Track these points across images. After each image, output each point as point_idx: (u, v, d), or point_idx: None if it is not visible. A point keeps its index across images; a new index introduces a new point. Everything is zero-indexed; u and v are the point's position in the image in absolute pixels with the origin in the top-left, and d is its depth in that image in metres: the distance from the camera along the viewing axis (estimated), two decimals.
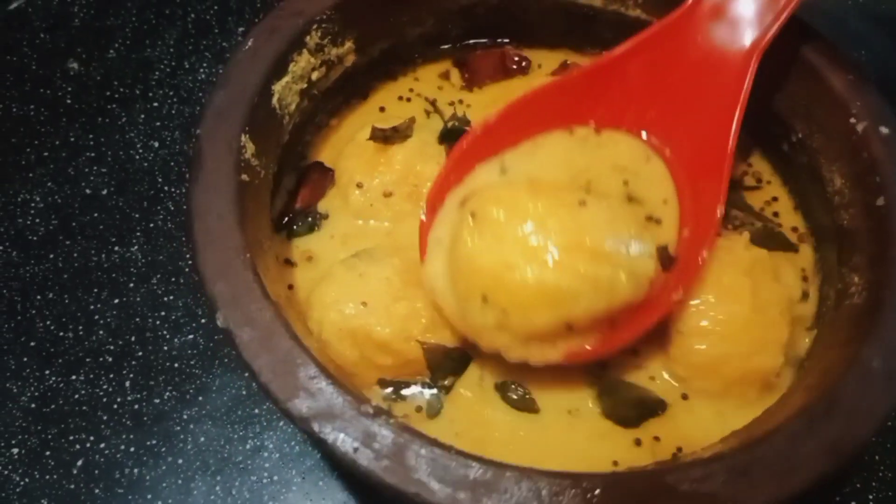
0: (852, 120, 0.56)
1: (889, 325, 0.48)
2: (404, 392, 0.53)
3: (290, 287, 0.56)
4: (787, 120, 0.61)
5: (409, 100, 0.67)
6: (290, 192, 0.61)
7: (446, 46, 0.70)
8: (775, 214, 0.62)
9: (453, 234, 0.51)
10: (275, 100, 0.57)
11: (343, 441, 0.42)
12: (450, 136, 0.61)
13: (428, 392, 0.53)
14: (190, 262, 0.64)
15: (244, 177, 0.51)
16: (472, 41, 0.70)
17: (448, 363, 0.52)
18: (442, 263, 0.51)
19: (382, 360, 0.52)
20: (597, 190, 0.55)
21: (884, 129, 0.55)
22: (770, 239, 0.59)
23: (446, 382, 0.53)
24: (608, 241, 0.48)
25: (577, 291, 0.47)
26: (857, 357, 0.47)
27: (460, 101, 0.66)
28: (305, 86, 0.60)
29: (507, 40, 0.70)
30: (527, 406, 0.53)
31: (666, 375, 0.54)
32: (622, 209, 0.52)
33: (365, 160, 0.60)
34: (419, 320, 0.52)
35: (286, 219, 0.60)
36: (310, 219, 0.60)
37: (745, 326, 0.52)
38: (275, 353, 0.45)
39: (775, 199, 0.63)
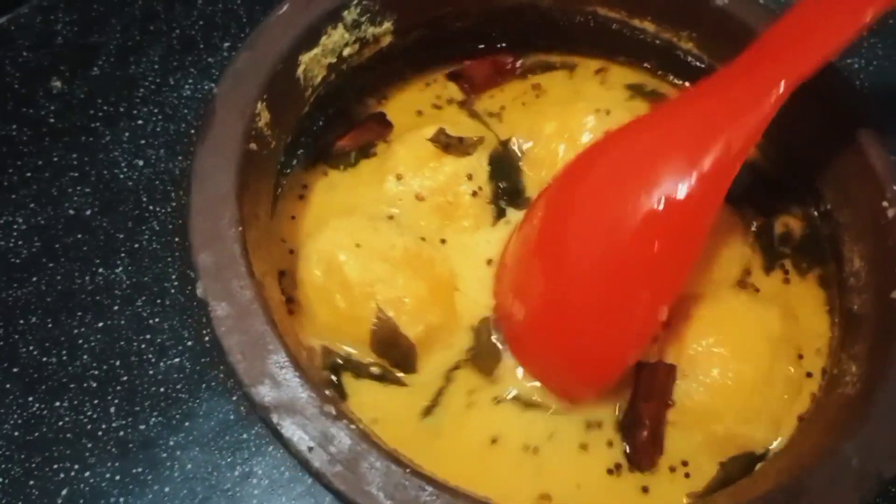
0: (885, 203, 0.58)
1: (877, 425, 0.50)
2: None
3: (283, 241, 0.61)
4: (819, 187, 0.65)
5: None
6: (339, 133, 0.68)
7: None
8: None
9: None
10: (300, 70, 0.62)
11: (300, 438, 0.46)
12: (499, 162, 0.66)
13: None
14: (176, 283, 0.63)
15: (253, 146, 0.56)
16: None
17: (390, 347, 0.55)
18: None
19: (338, 300, 0.58)
20: None
21: None
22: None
23: (381, 364, 0.57)
24: None
25: None
26: (835, 450, 0.49)
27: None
28: (335, 60, 0.65)
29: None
30: None
31: None
32: None
33: (416, 156, 0.66)
34: (389, 289, 0.58)
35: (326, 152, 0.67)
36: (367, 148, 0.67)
37: (750, 392, 0.56)
38: (248, 333, 0.49)
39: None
